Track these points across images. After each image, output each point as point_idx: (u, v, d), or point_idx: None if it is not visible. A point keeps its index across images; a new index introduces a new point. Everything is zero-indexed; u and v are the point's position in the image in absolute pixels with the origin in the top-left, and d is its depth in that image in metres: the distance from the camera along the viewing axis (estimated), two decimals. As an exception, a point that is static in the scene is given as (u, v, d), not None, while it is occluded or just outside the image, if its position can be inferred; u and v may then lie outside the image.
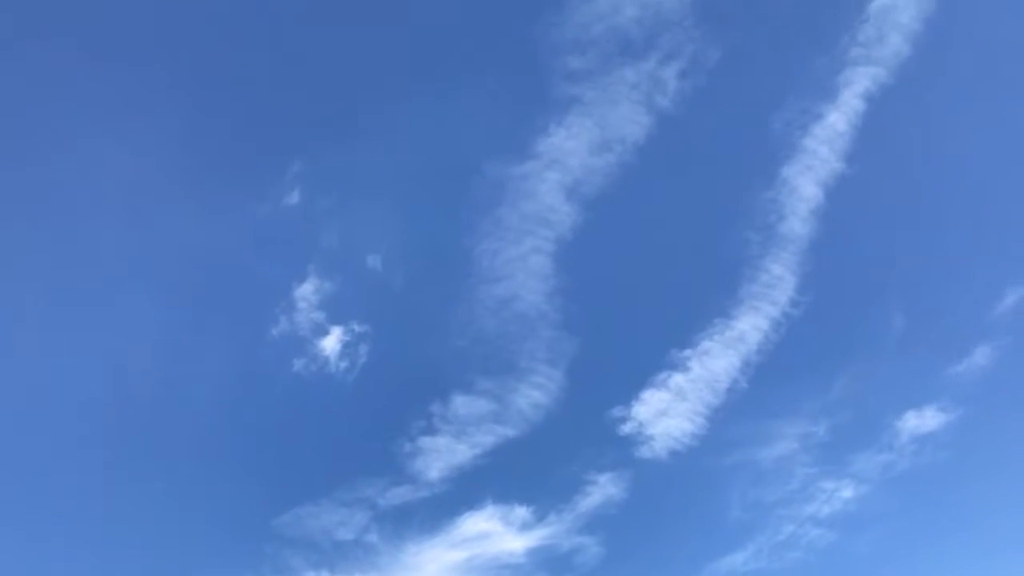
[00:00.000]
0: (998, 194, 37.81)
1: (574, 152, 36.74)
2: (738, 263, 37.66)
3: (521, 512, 37.06)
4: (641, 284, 38.34)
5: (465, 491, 36.77)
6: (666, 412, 37.55)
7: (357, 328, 37.31)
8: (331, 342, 37.07)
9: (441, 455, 36.84)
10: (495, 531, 36.83)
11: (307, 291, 37.10)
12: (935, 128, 37.71)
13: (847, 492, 37.72)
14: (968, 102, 37.69)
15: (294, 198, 37.20)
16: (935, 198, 38.41)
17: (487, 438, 37.03)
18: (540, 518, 37.22)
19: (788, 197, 37.28)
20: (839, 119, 36.86)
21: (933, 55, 36.35)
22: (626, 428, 37.43)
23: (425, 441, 36.93)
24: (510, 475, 37.27)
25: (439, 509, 36.68)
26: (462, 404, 37.21)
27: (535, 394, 37.23)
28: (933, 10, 35.87)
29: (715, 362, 37.66)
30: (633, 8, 36.13)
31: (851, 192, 37.47)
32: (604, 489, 37.23)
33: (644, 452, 37.44)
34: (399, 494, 36.62)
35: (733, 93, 37.43)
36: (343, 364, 37.04)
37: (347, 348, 37.11)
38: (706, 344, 37.58)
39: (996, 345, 37.46)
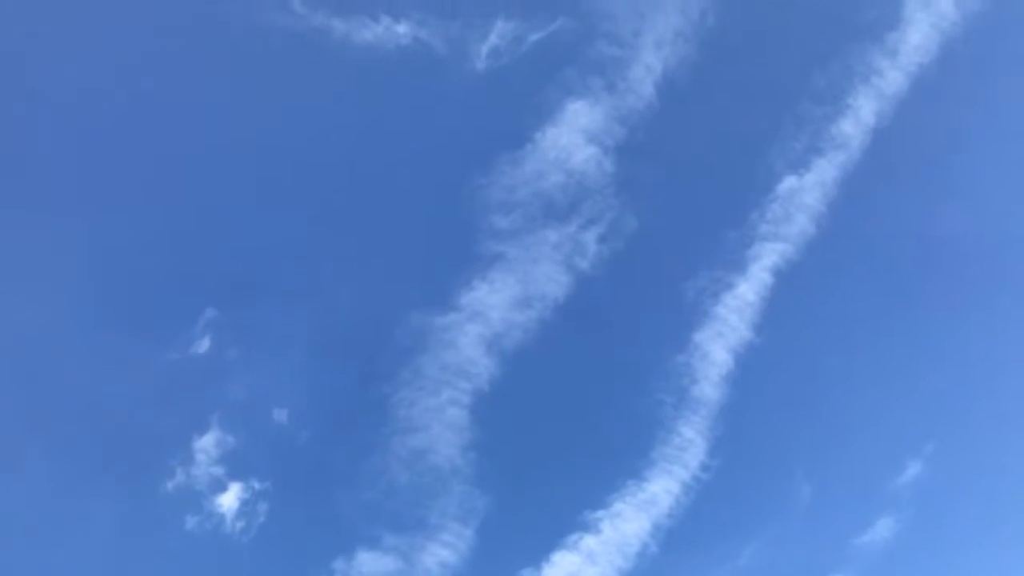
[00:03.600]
0: (897, 369, 39.75)
1: (496, 307, 37.36)
2: (651, 425, 38.14)
3: None
4: (555, 441, 38.20)
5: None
6: (576, 576, 36.79)
7: (257, 485, 36.04)
8: (229, 499, 35.62)
9: (342, 615, 35.02)
10: None
11: (207, 444, 35.90)
12: (838, 304, 39.84)
13: (757, 664, 37.13)
14: (866, 282, 40.08)
15: (203, 346, 36.55)
16: (837, 371, 39.98)
17: (391, 599, 35.47)
18: None
19: (700, 362, 38.36)
20: (748, 290, 38.64)
21: (836, 236, 39.06)
22: (535, 592, 36.44)
23: (326, 600, 35.14)
24: (414, 638, 35.54)
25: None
26: (367, 561, 35.71)
27: (444, 553, 36.06)
28: (835, 195, 38.81)
29: (626, 525, 37.34)
30: (558, 175, 37.91)
31: (760, 361, 38.84)
32: (511, 657, 35.81)
33: (553, 618, 36.35)
34: (295, 655, 34.45)
35: (649, 259, 39.07)
36: (240, 523, 35.48)
37: (245, 506, 35.69)
38: (618, 506, 37.36)
39: (898, 517, 38.44)
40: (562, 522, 37.15)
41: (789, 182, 38.76)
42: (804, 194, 38.68)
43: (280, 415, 36.86)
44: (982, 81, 39.55)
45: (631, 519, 37.35)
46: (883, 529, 38.11)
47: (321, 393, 37.55)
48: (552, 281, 37.76)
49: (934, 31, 38.25)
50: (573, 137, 37.79)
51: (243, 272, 37.80)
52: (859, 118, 38.51)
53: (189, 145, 37.83)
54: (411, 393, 36.89)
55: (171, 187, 37.59)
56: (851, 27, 38.49)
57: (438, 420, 36.82)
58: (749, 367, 38.57)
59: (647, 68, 38.04)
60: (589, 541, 36.94)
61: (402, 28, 37.27)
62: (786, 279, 38.71)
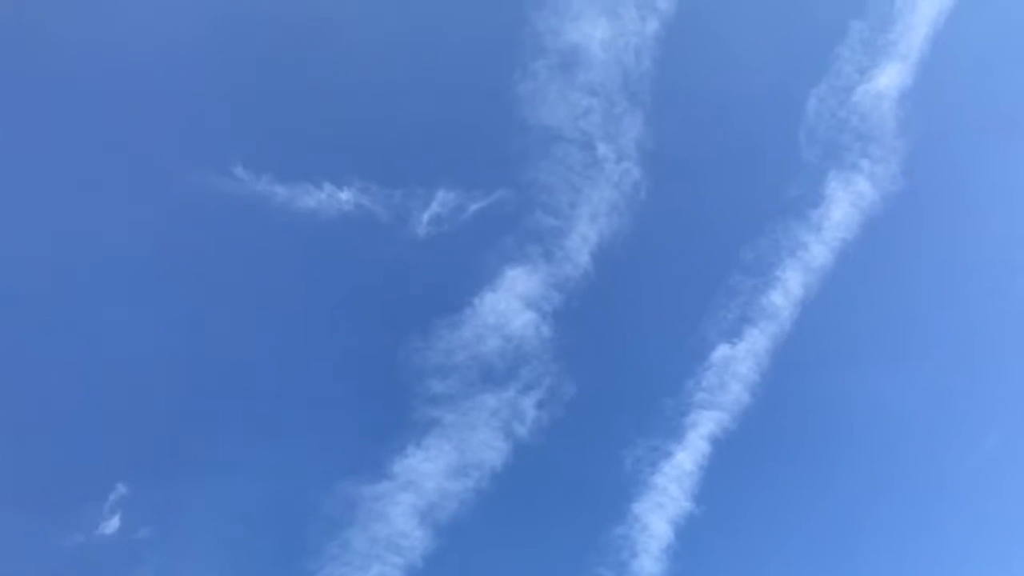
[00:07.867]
0: (835, 539, 39.59)
1: (430, 475, 36.13)
2: (591, 602, 36.62)
3: None
4: (491, 622, 36.26)
5: None
6: None
7: None
8: None
9: None
10: None
11: (109, 635, 32.98)
12: (775, 473, 39.76)
13: None
14: (801, 450, 40.39)
15: (112, 526, 34.16)
16: (776, 542, 39.53)
17: None
18: None
19: (640, 534, 37.44)
20: (687, 459, 38.34)
21: (769, 404, 39.40)
22: None
23: None
24: None
25: None
26: None
27: None
28: (767, 364, 39.46)
29: None
30: (496, 340, 37.75)
31: (699, 531, 38.18)
32: None
33: None
34: None
35: (587, 426, 38.71)
36: None
37: None
38: None
39: None
40: None
41: (723, 350, 39.35)
42: (737, 363, 39.25)
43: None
44: (901, 254, 41.52)
45: None
46: None
47: (239, 574, 35.17)
48: (490, 448, 36.89)
49: (854, 208, 40.33)
50: (511, 303, 37.97)
51: (158, 444, 35.84)
52: (787, 289, 39.78)
53: (116, 309, 36.53)
54: (338, 568, 34.93)
55: (85, 351, 36.00)
56: (777, 204, 40.35)
57: (367, 598, 34.74)
58: (689, 539, 37.92)
59: (583, 238, 38.92)
60: None
61: (345, 195, 37.58)
62: (723, 447, 38.72)
